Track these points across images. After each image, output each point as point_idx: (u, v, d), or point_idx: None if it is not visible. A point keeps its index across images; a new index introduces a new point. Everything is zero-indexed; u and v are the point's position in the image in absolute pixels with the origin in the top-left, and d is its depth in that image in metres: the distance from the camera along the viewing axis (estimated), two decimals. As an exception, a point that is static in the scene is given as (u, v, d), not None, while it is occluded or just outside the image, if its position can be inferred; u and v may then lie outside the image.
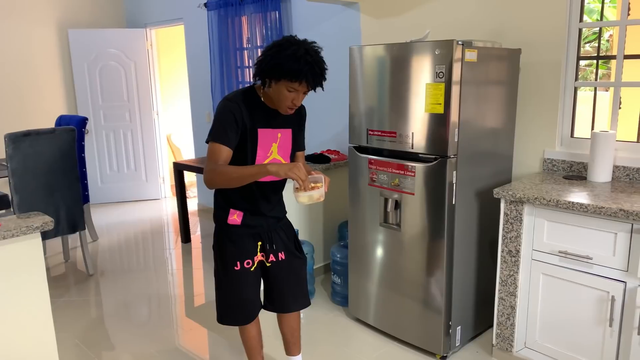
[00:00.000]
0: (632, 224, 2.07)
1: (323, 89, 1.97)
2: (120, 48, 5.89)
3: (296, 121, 2.16)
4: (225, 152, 1.94)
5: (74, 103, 6.02)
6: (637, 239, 2.07)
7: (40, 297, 2.05)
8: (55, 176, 3.54)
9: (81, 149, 4.22)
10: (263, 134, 2.02)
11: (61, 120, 4.51)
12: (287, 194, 2.63)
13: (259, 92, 2.03)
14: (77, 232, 3.78)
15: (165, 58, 6.60)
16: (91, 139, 5.97)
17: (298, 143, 2.21)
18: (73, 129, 3.59)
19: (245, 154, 2.01)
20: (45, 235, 3.51)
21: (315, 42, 1.93)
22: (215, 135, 1.95)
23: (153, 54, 6.08)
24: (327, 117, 4.09)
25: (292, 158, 2.21)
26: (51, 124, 5.71)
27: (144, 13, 6.05)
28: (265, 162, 2.05)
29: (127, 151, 6.14)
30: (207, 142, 1.98)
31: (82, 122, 4.22)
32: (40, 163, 3.46)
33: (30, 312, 2.03)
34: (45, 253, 4.37)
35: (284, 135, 2.09)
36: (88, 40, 5.80)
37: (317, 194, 1.88)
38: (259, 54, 4.61)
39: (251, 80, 4.66)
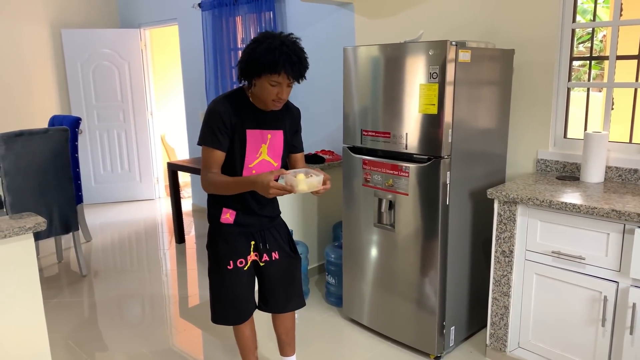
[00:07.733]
0: (624, 224, 2.08)
1: (306, 78, 1.95)
2: (114, 48, 5.87)
3: (288, 123, 2.14)
4: (217, 155, 1.99)
5: (67, 103, 5.99)
6: (629, 239, 2.08)
7: (33, 298, 2.04)
8: (48, 176, 3.52)
9: (74, 149, 4.20)
10: (252, 135, 2.02)
11: (54, 121, 4.49)
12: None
13: (248, 92, 2.03)
14: (71, 233, 3.76)
15: (159, 58, 6.58)
16: (85, 139, 5.95)
17: (294, 145, 2.21)
18: (66, 129, 3.57)
19: (234, 155, 2.02)
20: (38, 236, 3.50)
21: (292, 34, 1.93)
22: (206, 139, 1.99)
23: (147, 54, 6.06)
24: (321, 117, 4.09)
25: (286, 160, 2.21)
26: (44, 124, 5.68)
27: (137, 13, 6.03)
28: (254, 162, 2.05)
29: (121, 151, 6.12)
30: (198, 144, 2.00)
31: (75, 122, 4.20)
32: (33, 163, 3.44)
33: (23, 313, 2.02)
34: (38, 254, 4.35)
35: (274, 137, 2.08)
36: (81, 40, 5.78)
37: (316, 180, 1.88)
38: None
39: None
